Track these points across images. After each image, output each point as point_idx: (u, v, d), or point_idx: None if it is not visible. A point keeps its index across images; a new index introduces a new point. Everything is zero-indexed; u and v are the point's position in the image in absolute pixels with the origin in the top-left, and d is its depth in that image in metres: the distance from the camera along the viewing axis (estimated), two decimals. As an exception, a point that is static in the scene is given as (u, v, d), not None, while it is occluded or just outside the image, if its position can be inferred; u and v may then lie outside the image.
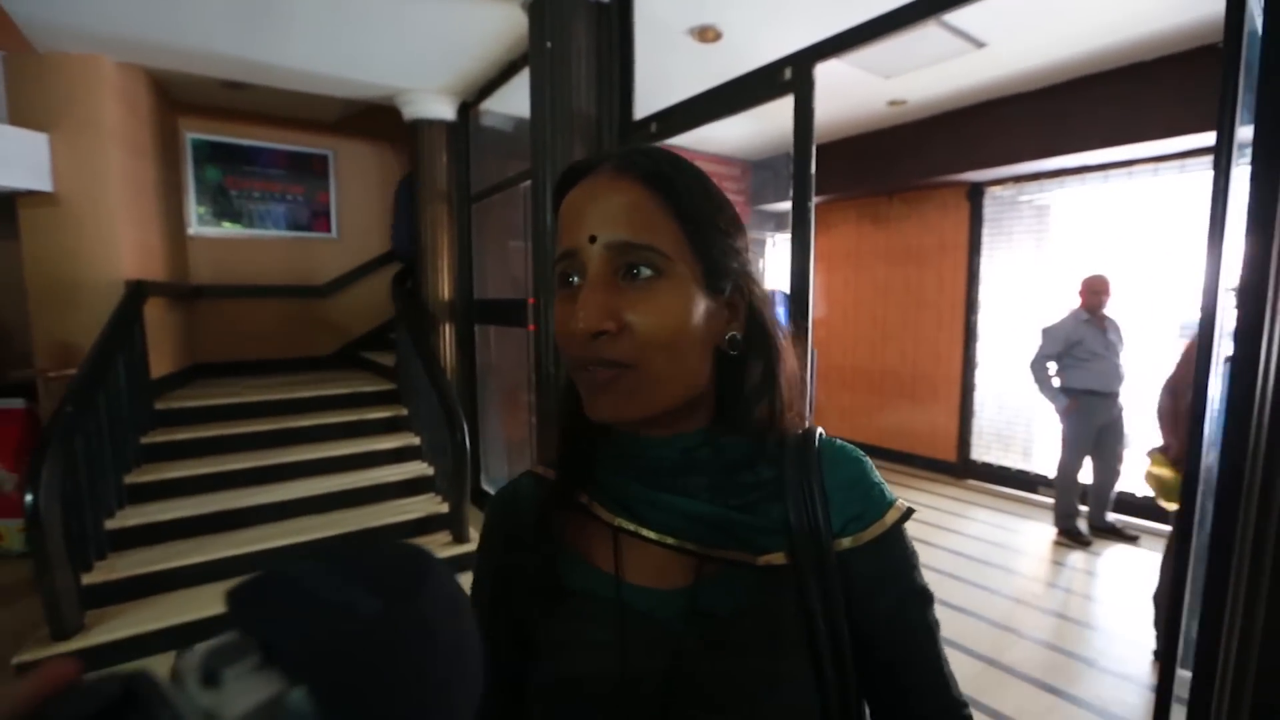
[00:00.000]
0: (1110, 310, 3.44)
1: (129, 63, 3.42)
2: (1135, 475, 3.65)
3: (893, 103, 4.02)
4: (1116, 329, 3.43)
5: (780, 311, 0.57)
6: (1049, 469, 3.97)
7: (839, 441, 0.55)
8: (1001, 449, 4.52)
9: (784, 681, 0.47)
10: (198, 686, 0.20)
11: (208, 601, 2.53)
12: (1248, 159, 1.09)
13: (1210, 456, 1.09)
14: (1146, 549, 3.35)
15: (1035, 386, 3.58)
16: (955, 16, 2.80)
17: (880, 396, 5.20)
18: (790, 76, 1.84)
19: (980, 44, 3.09)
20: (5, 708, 0.18)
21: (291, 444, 3.49)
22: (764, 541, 0.50)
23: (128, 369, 3.00)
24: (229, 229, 4.55)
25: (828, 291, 5.51)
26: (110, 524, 2.73)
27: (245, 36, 3.07)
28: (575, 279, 0.48)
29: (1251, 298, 0.98)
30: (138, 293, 3.24)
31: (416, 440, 3.73)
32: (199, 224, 4.43)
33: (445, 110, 3.92)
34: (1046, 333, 3.51)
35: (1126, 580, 3.03)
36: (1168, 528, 3.44)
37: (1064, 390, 3.45)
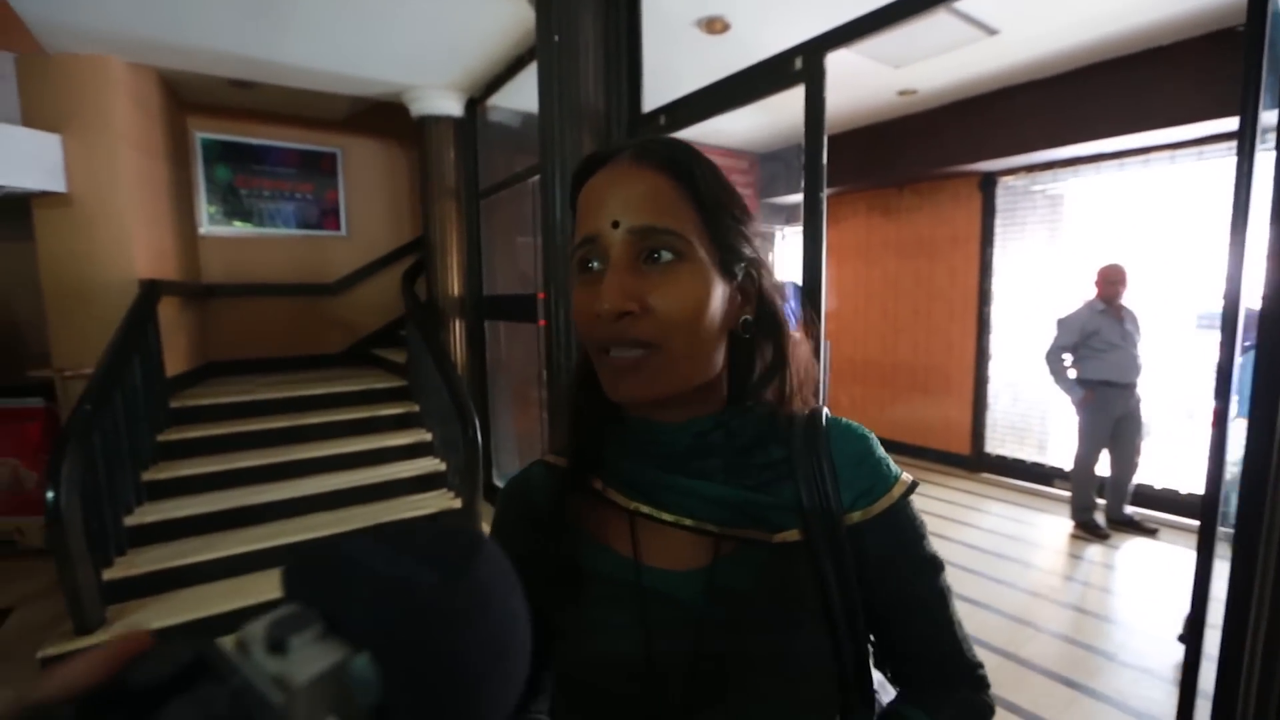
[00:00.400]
0: (1127, 300, 3.39)
1: (139, 63, 3.44)
2: (1154, 467, 3.62)
3: (903, 92, 3.97)
4: (1134, 319, 3.38)
5: (793, 304, 0.58)
6: (1065, 461, 3.93)
7: (844, 420, 0.56)
8: (1016, 442, 4.47)
9: (803, 654, 0.49)
10: (264, 654, 0.21)
11: (225, 596, 2.56)
12: (1272, 144, 1.07)
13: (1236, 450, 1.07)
14: (1166, 542, 3.31)
15: (1051, 378, 3.54)
16: (966, 3, 2.77)
17: (892, 389, 5.16)
18: (801, 66, 1.82)
19: (992, 31, 3.05)
20: (89, 670, 0.19)
21: (304, 441, 3.52)
22: (778, 519, 0.51)
23: (143, 367, 3.03)
24: (240, 228, 4.58)
25: (838, 284, 5.47)
26: (129, 520, 2.76)
27: (251, 35, 3.08)
28: (595, 264, 0.49)
29: (1277, 286, 0.95)
30: (151, 292, 3.27)
31: (428, 436, 3.74)
32: (210, 223, 4.46)
33: (453, 106, 3.92)
34: (1062, 323, 3.47)
35: (1146, 574, 3.00)
36: (1190, 521, 3.40)
37: (1080, 382, 3.41)
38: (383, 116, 4.49)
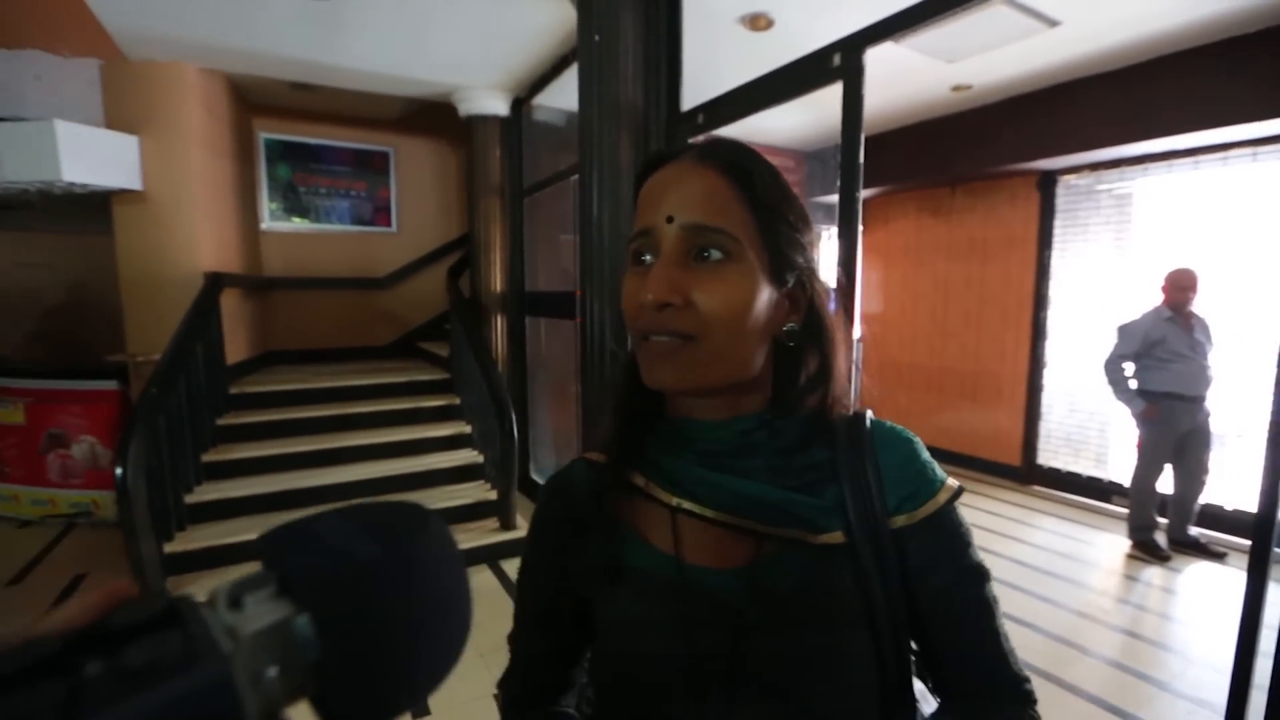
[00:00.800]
0: (1198, 308, 3.18)
1: (210, 68, 3.65)
2: (1224, 486, 3.38)
3: (957, 88, 3.83)
4: (1205, 328, 3.16)
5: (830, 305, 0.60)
6: (1125, 477, 3.71)
7: (889, 423, 0.56)
8: (1071, 454, 4.25)
9: (844, 657, 0.49)
10: (225, 608, 0.23)
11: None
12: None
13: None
14: (1235, 567, 3.09)
15: (1109, 389, 3.35)
16: (1025, -6, 2.65)
17: (940, 395, 4.99)
18: (839, 63, 1.78)
19: (1053, 22, 2.90)
20: (79, 612, 0.22)
21: (352, 429, 3.67)
22: (821, 521, 0.51)
23: (205, 355, 3.22)
24: (298, 224, 4.81)
25: (884, 286, 5.32)
26: (189, 498, 2.95)
27: (312, 40, 3.23)
28: (648, 257, 0.51)
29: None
30: (215, 284, 3.47)
31: (468, 429, 3.84)
32: (271, 219, 4.70)
33: (499, 106, 4.00)
34: (1123, 331, 3.28)
35: (1209, 600, 2.80)
36: None
37: (1142, 393, 3.21)
38: (433, 116, 4.62)
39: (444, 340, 4.66)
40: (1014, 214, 4.43)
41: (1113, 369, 3.29)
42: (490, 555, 3.17)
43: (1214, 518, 3.39)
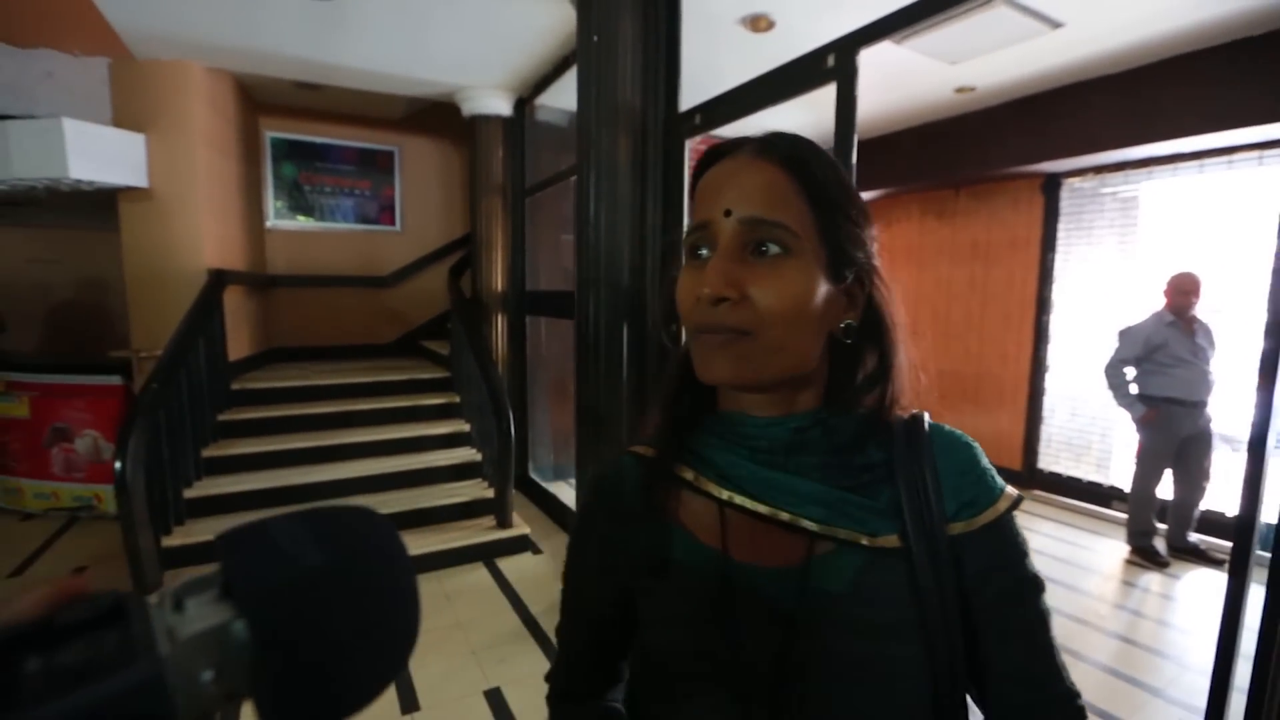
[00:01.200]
0: (1200, 312, 3.15)
1: (216, 67, 3.69)
2: (1225, 492, 3.35)
3: (960, 89, 3.81)
4: (1207, 333, 3.14)
5: None
6: (1126, 482, 3.68)
7: (948, 428, 0.55)
8: (1072, 459, 4.23)
9: (895, 664, 0.47)
10: (169, 609, 0.24)
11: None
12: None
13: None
14: (1234, 574, 3.06)
15: (1110, 393, 3.33)
16: (1025, -5, 2.63)
17: (941, 397, 4.94)
18: (833, 64, 1.78)
19: (1056, 24, 2.88)
20: (25, 607, 0.22)
21: (352, 426, 3.69)
22: (875, 524, 0.50)
23: (207, 351, 3.26)
24: (303, 222, 4.84)
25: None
26: (189, 493, 2.98)
27: (318, 40, 3.26)
28: (704, 252, 0.50)
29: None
30: (218, 281, 3.50)
31: (467, 427, 3.86)
32: (276, 217, 4.74)
33: (502, 106, 4.02)
34: (1124, 335, 3.25)
35: (1207, 606, 2.78)
36: (1263, 554, 3.13)
37: (1142, 398, 3.19)
38: (438, 116, 4.65)
39: (446, 339, 4.68)
40: (1017, 217, 4.40)
41: (1113, 373, 3.27)
42: (486, 553, 3.19)
43: (1214, 524, 3.36)
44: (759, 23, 2.95)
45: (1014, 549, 0.51)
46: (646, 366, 2.58)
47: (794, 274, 0.48)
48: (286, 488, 3.18)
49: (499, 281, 4.18)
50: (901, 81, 3.64)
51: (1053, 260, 4.24)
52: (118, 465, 2.37)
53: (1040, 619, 0.50)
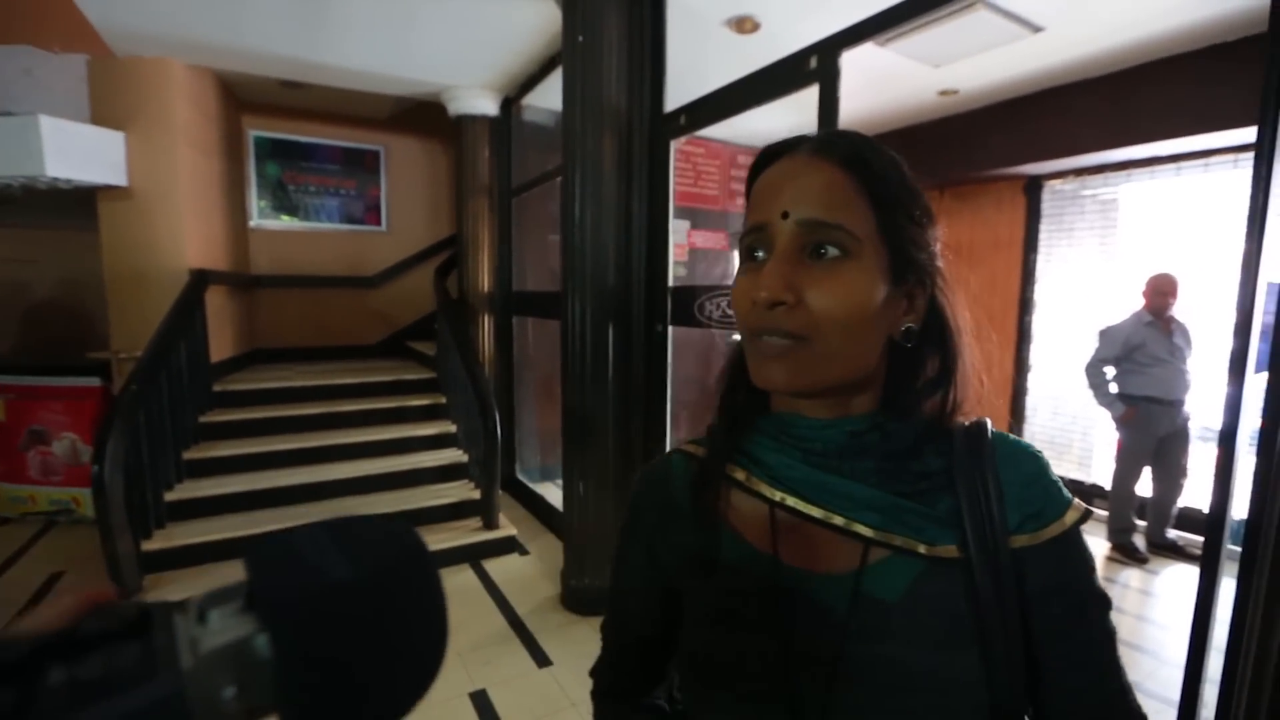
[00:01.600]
0: (1178, 313, 3.20)
1: (198, 65, 3.64)
2: (1200, 488, 3.41)
3: (944, 92, 3.85)
4: (1184, 333, 3.19)
5: None
6: (1107, 480, 3.74)
7: (1013, 437, 0.53)
8: (1055, 457, 4.27)
9: (952, 675, 0.46)
10: (194, 620, 0.23)
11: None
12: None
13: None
14: (1211, 570, 3.11)
15: (1091, 392, 3.38)
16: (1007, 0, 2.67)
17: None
18: (815, 66, 1.79)
19: (1036, 28, 2.92)
20: (53, 616, 0.22)
21: (338, 427, 3.66)
22: (933, 532, 0.48)
23: (189, 352, 3.22)
24: (287, 222, 4.80)
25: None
26: (170, 496, 2.94)
27: (302, 38, 3.23)
28: (760, 254, 0.49)
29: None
30: (200, 281, 3.46)
31: (453, 428, 3.84)
32: (259, 217, 4.69)
33: (488, 106, 4.01)
34: (1104, 335, 3.30)
35: (1185, 601, 2.82)
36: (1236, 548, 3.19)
37: (1122, 397, 3.24)
38: (424, 115, 4.62)
39: (433, 339, 4.65)
40: (1000, 218, 4.46)
41: (1094, 373, 3.32)
42: (472, 555, 3.18)
43: (1192, 521, 3.42)
44: (744, 24, 2.96)
45: (1080, 564, 0.49)
46: (632, 367, 2.59)
47: (853, 277, 0.46)
48: (270, 490, 3.15)
49: (485, 282, 4.16)
50: (886, 84, 3.67)
51: (1035, 261, 4.30)
52: (95, 468, 2.33)
53: (1107, 637, 0.49)
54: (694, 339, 3.80)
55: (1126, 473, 3.27)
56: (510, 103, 4.07)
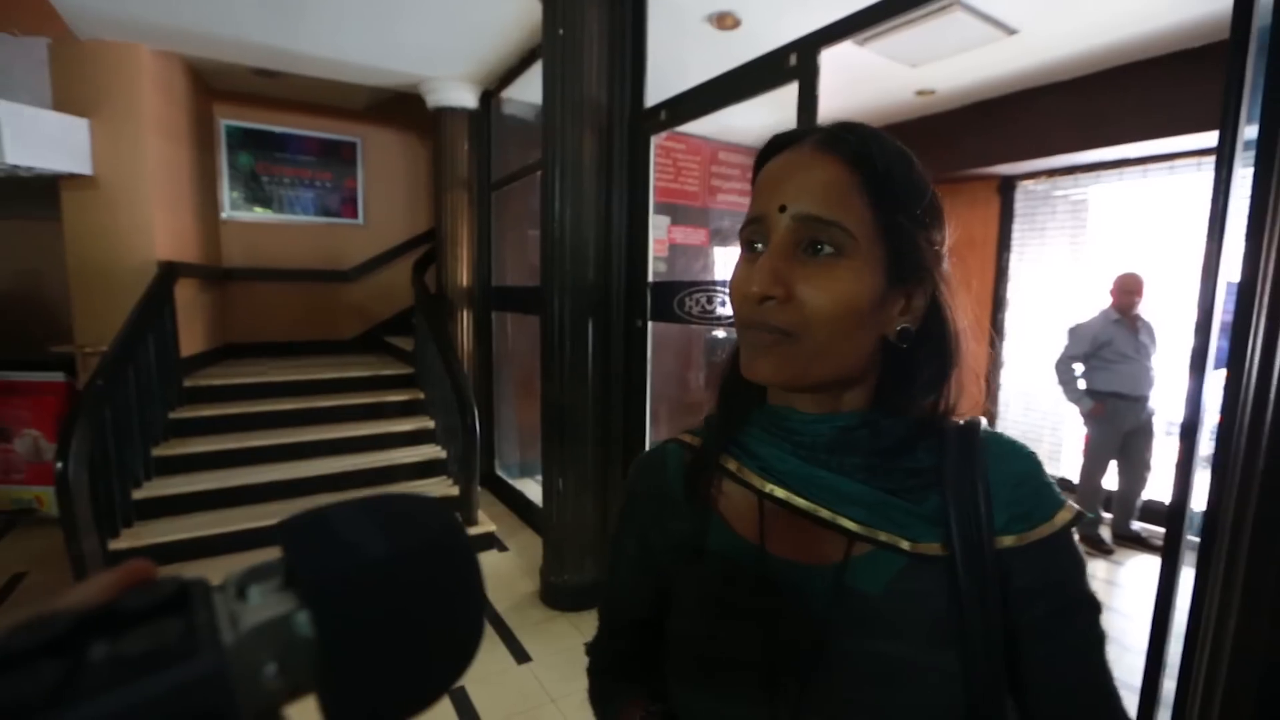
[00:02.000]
0: (1144, 311, 3.30)
1: (166, 50, 3.54)
2: (1163, 482, 3.52)
3: (921, 92, 3.90)
4: (1149, 330, 3.29)
5: None
6: (1076, 474, 3.84)
7: (1006, 436, 0.52)
8: (1026, 452, 4.38)
9: (931, 672, 0.46)
10: (232, 596, 0.23)
11: (228, 572, 2.64)
12: (1252, 160, 1.05)
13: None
14: (1173, 560, 3.22)
15: (1060, 388, 3.46)
16: (984, 1, 2.71)
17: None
18: (795, 63, 1.81)
19: (1011, 30, 2.97)
20: (93, 591, 0.21)
21: (313, 423, 3.60)
22: (919, 529, 0.48)
23: (157, 346, 3.13)
24: (260, 214, 4.69)
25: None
26: (138, 494, 2.87)
27: (274, 24, 3.15)
28: (759, 245, 0.49)
29: (1249, 299, 0.93)
30: (169, 273, 3.37)
31: (431, 424, 3.80)
32: (231, 208, 4.58)
33: (467, 98, 3.96)
34: (1073, 332, 3.39)
35: (1149, 592, 2.92)
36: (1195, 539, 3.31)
37: (1089, 393, 3.33)
38: (402, 107, 4.55)
39: (411, 334, 4.60)
40: (974, 217, 4.54)
41: (1063, 369, 3.41)
42: (452, 551, 3.15)
43: (1156, 513, 3.53)
44: (725, 20, 2.97)
45: (1069, 566, 0.48)
46: (612, 362, 2.58)
47: (846, 277, 0.46)
48: (243, 487, 3.09)
49: (464, 276, 4.12)
50: (865, 83, 3.71)
51: (1008, 260, 4.39)
52: (59, 465, 2.26)
53: (1094, 641, 0.48)
54: (673, 334, 3.80)
55: (1093, 466, 3.37)
56: (490, 96, 4.02)
